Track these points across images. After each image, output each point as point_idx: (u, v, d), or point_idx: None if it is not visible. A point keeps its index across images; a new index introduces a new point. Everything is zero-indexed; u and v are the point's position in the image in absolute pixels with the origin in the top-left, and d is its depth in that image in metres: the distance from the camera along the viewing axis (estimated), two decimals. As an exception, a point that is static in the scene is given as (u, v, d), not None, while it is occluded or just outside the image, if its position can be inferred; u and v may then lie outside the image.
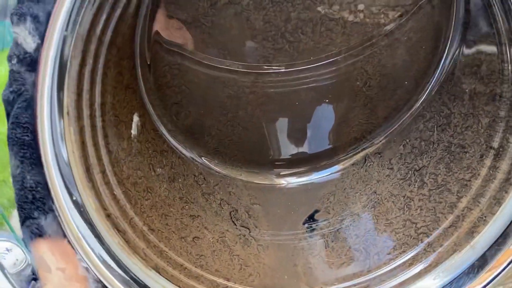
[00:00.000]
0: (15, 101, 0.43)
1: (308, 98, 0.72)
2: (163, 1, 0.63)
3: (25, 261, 0.49)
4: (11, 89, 0.42)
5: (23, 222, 0.47)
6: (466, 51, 0.66)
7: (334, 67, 0.69)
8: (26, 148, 0.44)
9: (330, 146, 0.77)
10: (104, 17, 0.46)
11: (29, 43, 0.40)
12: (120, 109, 0.58)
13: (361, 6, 0.65)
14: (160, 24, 0.64)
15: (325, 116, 0.74)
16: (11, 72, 0.42)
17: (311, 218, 0.74)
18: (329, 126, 0.76)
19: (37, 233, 0.47)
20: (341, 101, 0.73)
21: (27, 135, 0.43)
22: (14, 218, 0.48)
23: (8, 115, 0.44)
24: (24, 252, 0.49)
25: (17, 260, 0.49)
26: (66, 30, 0.41)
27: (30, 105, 0.43)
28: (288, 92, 0.71)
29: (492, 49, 0.58)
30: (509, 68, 0.56)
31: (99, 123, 0.52)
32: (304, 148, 0.77)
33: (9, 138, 0.44)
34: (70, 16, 0.41)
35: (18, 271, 0.49)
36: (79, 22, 0.43)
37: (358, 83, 0.71)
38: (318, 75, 0.70)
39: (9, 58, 0.41)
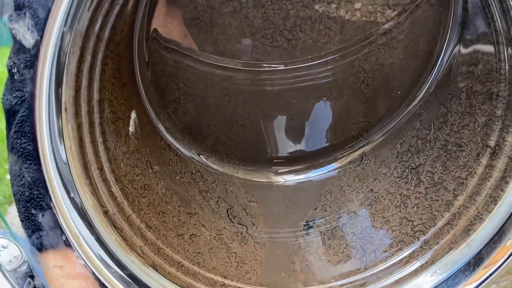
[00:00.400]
0: (16, 106, 0.43)
1: (305, 96, 0.72)
2: (161, -2, 0.63)
3: (21, 258, 0.49)
4: (14, 95, 0.42)
5: (30, 235, 0.47)
6: (463, 50, 0.66)
7: (332, 65, 0.69)
8: (31, 159, 0.44)
9: (328, 144, 0.77)
10: (102, 14, 0.46)
11: (28, 39, 0.40)
12: (118, 106, 0.57)
13: (358, 5, 0.65)
14: (159, 22, 0.64)
15: (322, 114, 0.74)
16: (13, 80, 0.41)
17: (308, 216, 0.74)
18: (327, 124, 0.76)
19: (48, 246, 0.48)
20: (338, 99, 0.73)
21: (31, 145, 0.43)
22: (9, 215, 0.48)
23: (8, 119, 0.43)
24: (20, 249, 0.48)
25: (13, 257, 0.49)
26: (65, 26, 0.41)
27: (33, 112, 0.43)
28: (286, 90, 0.71)
29: (489, 48, 0.59)
30: (506, 67, 0.57)
31: (97, 120, 0.52)
32: (302, 146, 0.77)
33: (12, 147, 0.43)
34: (69, 12, 0.41)
35: (14, 268, 0.49)
36: (78, 19, 0.42)
37: (355, 81, 0.71)
38: (316, 73, 0.70)
39: (10, 66, 0.41)
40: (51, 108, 0.44)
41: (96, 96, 0.51)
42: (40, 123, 0.44)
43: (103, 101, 0.53)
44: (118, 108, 0.57)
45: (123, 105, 0.59)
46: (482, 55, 0.61)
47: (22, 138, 0.44)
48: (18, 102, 0.42)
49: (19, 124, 0.43)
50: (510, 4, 0.52)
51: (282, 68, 0.69)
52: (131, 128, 0.62)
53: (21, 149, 0.44)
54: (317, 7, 0.64)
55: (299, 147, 0.78)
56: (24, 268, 0.49)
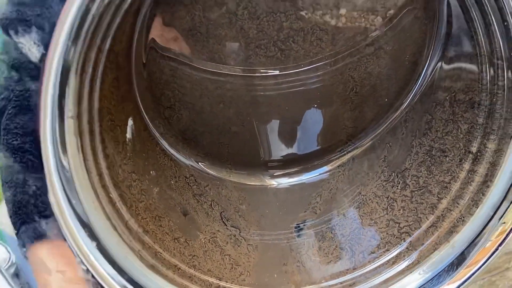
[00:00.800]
0: (5, 108, 0.43)
1: (297, 102, 0.74)
2: (160, 9, 0.63)
3: (9, 260, 0.49)
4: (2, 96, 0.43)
5: (19, 228, 0.47)
6: (447, 61, 0.69)
7: (322, 74, 0.71)
8: (35, 169, 0.45)
9: (319, 147, 0.79)
10: (104, 26, 0.47)
11: (34, 53, 0.41)
12: (116, 113, 0.58)
13: (343, 11, 0.67)
14: (156, 31, 0.65)
15: (313, 120, 0.76)
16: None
17: (299, 218, 0.76)
18: (317, 129, 0.78)
19: (34, 237, 0.48)
20: (328, 105, 0.75)
21: (17, 140, 0.44)
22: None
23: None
24: (8, 251, 0.48)
25: (1, 259, 0.49)
26: (69, 40, 0.42)
27: (21, 111, 0.44)
28: (278, 97, 0.73)
29: (472, 59, 0.62)
30: (487, 78, 0.60)
31: (97, 128, 0.53)
32: (294, 149, 0.79)
33: (6, 147, 0.44)
34: (73, 26, 0.42)
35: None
36: (81, 32, 0.43)
37: (345, 89, 0.73)
38: (307, 79, 0.72)
39: None
40: (54, 118, 0.45)
41: (96, 105, 0.52)
42: (44, 133, 0.45)
43: (102, 110, 0.53)
44: (116, 116, 0.58)
45: (121, 113, 0.60)
46: (465, 66, 0.64)
47: (8, 134, 0.44)
48: (5, 104, 0.43)
49: (7, 123, 0.44)
50: (491, 19, 0.55)
51: (275, 75, 0.71)
52: (128, 135, 0.63)
53: (12, 147, 0.45)
54: (310, 19, 0.66)
55: (291, 150, 0.79)
56: (12, 271, 0.49)
